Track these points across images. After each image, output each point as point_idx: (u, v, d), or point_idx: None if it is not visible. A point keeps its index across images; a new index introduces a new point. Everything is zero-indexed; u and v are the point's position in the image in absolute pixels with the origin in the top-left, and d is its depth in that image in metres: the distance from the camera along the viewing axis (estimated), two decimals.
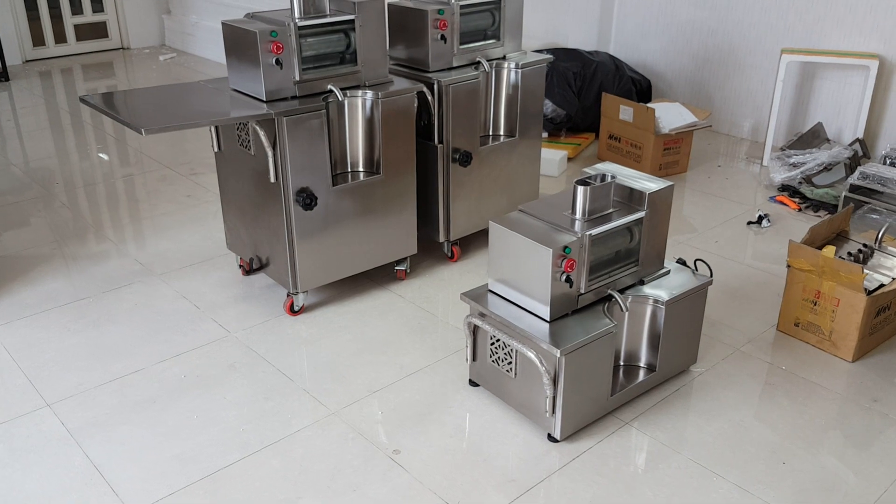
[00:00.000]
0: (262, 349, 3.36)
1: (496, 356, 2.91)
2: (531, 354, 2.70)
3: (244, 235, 3.74)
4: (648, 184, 2.93)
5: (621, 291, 2.90)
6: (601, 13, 6.67)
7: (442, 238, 4.02)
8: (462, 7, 3.80)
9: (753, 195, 4.99)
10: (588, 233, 2.71)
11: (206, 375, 3.18)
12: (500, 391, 2.96)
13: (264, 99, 3.28)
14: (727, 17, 5.91)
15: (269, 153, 3.25)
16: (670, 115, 5.25)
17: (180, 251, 4.25)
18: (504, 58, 4.06)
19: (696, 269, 3.13)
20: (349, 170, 3.65)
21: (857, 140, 5.16)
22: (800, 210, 4.74)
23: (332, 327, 3.52)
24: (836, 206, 4.69)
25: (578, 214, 2.82)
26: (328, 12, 3.43)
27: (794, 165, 5.02)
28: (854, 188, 4.57)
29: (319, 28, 3.35)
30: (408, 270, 3.93)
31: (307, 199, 3.35)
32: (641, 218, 2.87)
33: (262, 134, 3.20)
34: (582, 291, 2.78)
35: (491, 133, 4.16)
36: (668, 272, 3.08)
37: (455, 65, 3.87)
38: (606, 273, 2.87)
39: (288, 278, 3.51)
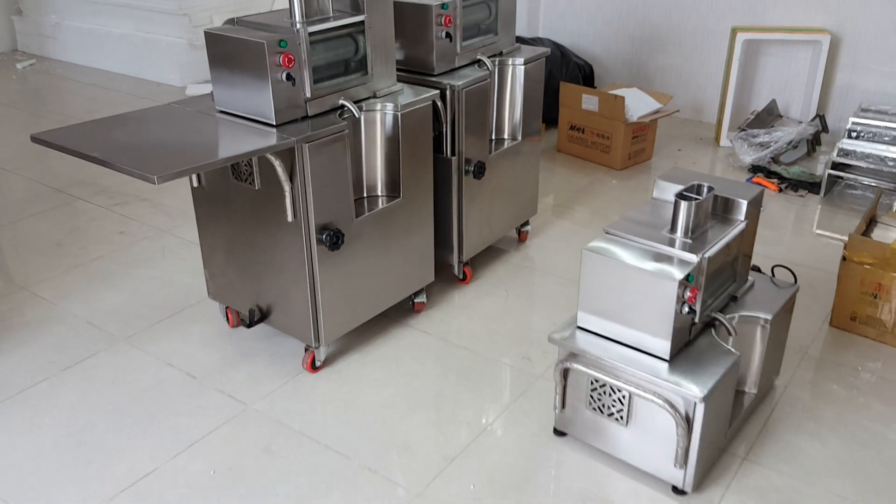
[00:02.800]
0: (296, 421, 2.81)
1: (599, 403, 2.55)
2: (657, 401, 2.36)
3: (239, 283, 3.13)
4: (741, 191, 2.66)
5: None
6: None
7: (455, 259, 3.59)
8: (462, 0, 3.35)
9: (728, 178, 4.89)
10: (705, 255, 2.39)
11: (241, 467, 2.60)
12: (603, 441, 2.60)
13: (273, 122, 2.70)
14: None
15: (287, 188, 2.68)
16: (634, 102, 5.04)
17: (139, 304, 3.54)
18: (501, 53, 3.65)
19: (773, 276, 2.91)
20: (365, 194, 3.13)
21: (818, 116, 5.18)
22: (780, 191, 4.68)
23: (367, 382, 3.02)
24: (813, 184, 4.66)
25: (680, 233, 2.50)
26: (332, 13, 2.88)
27: (762, 145, 4.97)
28: (836, 165, 4.55)
29: (329, 33, 2.80)
30: (426, 302, 3.47)
31: (334, 238, 2.82)
32: (743, 230, 2.59)
33: (278, 166, 2.63)
34: (696, 321, 2.47)
35: (494, 137, 3.75)
36: (753, 284, 2.83)
37: (458, 65, 3.43)
38: (714, 295, 2.57)
39: (309, 330, 2.96)
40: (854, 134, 4.72)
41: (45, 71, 7.43)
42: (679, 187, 2.67)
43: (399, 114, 2.98)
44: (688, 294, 2.34)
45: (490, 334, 3.32)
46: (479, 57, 3.50)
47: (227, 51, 2.71)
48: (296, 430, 2.76)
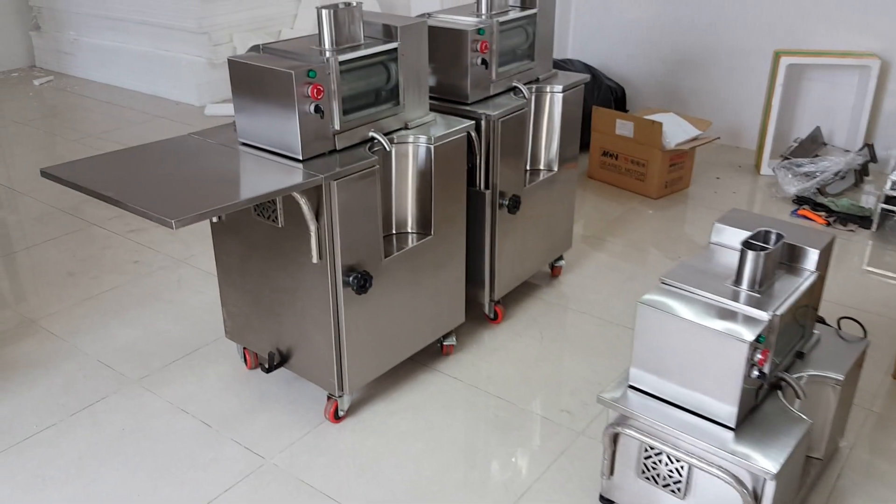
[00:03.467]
0: (317, 479, 2.59)
1: (653, 472, 2.31)
2: (722, 475, 2.12)
3: (258, 324, 2.93)
4: (810, 238, 2.42)
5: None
6: (558, 14, 6.16)
7: (486, 298, 3.37)
8: (500, 24, 3.15)
9: (771, 211, 4.65)
10: (777, 313, 2.16)
11: None
12: None
13: (300, 157, 2.51)
14: (700, 17, 5.56)
15: (312, 228, 2.48)
16: (671, 128, 4.82)
17: (152, 342, 3.35)
18: (538, 80, 3.45)
19: (840, 328, 2.67)
20: (394, 231, 2.93)
21: (866, 145, 4.93)
22: (828, 225, 4.43)
23: (394, 434, 2.80)
24: (863, 218, 4.41)
25: (746, 286, 2.26)
26: (363, 40, 2.69)
27: (807, 175, 4.72)
28: (889, 199, 4.31)
29: (361, 62, 2.61)
30: (455, 344, 3.25)
31: (361, 281, 2.61)
32: (814, 283, 2.36)
33: (304, 204, 2.43)
34: (765, 384, 2.24)
35: (529, 168, 3.54)
36: (820, 339, 2.59)
37: (493, 93, 3.22)
38: (781, 354, 2.34)
39: (333, 378, 2.74)
40: None
41: (62, 88, 7.30)
42: (740, 232, 2.46)
43: (433, 147, 2.78)
44: (758, 356, 2.11)
45: (525, 382, 3.09)
46: (514, 84, 3.30)
47: (253, 80, 2.52)
48: (317, 490, 2.54)
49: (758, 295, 2.24)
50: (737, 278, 2.29)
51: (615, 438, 2.37)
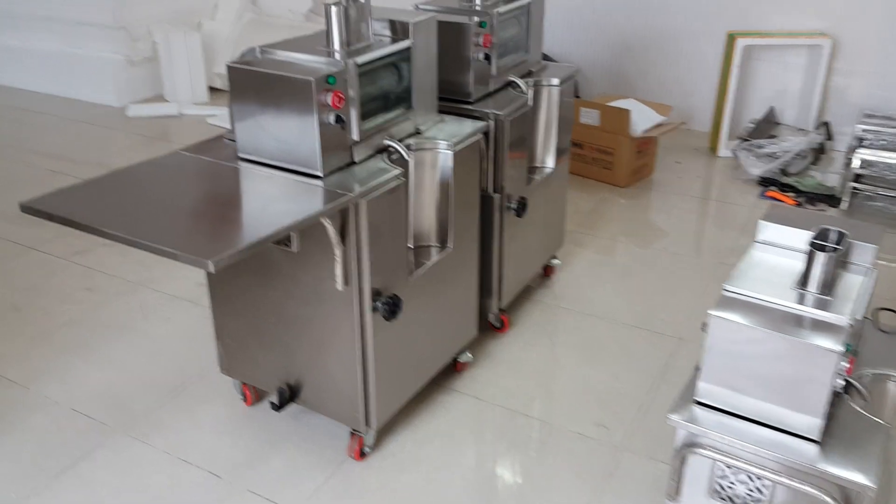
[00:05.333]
0: None
1: (730, 492, 2.19)
2: (813, 491, 2.02)
3: (263, 358, 2.63)
4: (861, 233, 2.35)
5: None
6: None
7: (494, 307, 3.18)
8: (499, 15, 2.94)
9: (740, 193, 4.65)
10: (856, 317, 2.07)
11: None
12: None
13: (320, 173, 2.23)
14: (648, 1, 5.50)
15: (339, 253, 2.22)
16: (635, 115, 4.73)
17: (129, 383, 2.98)
18: (531, 73, 3.26)
19: (878, 320, 2.62)
20: (411, 245, 2.69)
21: (824, 123, 5.01)
22: (799, 205, 4.47)
23: (427, 468, 2.57)
24: (831, 197, 4.47)
25: (815, 289, 2.16)
26: (371, 39, 2.42)
27: (770, 156, 4.75)
28: (857, 177, 4.37)
29: (376, 64, 2.34)
30: (471, 360, 3.05)
31: (391, 306, 2.37)
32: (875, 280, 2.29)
33: (331, 227, 2.16)
34: (848, 393, 2.15)
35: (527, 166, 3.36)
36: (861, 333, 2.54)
37: (492, 89, 3.02)
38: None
39: (358, 413, 2.49)
40: (866, 142, 4.56)
41: None
42: (787, 229, 2.36)
43: (452, 152, 2.55)
44: (845, 365, 2.01)
45: (548, 396, 2.93)
46: (511, 78, 3.10)
47: (260, 88, 2.22)
48: None
49: (829, 298, 2.14)
50: (803, 281, 2.19)
51: (683, 458, 2.24)
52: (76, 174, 4.84)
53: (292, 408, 2.75)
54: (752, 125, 5.07)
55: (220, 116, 5.84)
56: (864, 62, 4.97)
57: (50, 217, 1.98)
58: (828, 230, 2.27)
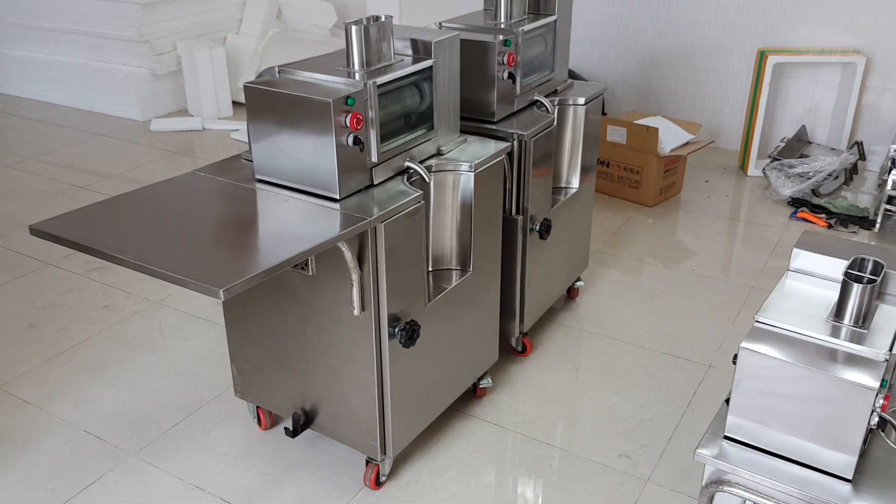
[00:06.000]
0: None
1: None
2: None
3: (278, 383, 2.58)
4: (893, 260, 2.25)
5: None
6: None
7: (516, 331, 3.10)
8: (524, 34, 2.88)
9: (770, 214, 4.54)
10: (893, 351, 1.97)
11: None
12: None
13: (337, 196, 2.18)
14: (677, 16, 5.42)
15: (356, 278, 2.16)
16: (663, 133, 4.64)
17: (144, 404, 2.94)
18: (556, 91, 3.20)
19: None
20: (430, 268, 2.62)
21: (856, 143, 4.89)
22: (830, 227, 4.34)
23: (444, 499, 2.50)
24: (863, 219, 4.34)
25: (849, 321, 2.07)
26: (393, 58, 2.37)
27: (801, 176, 4.63)
28: (890, 199, 4.24)
29: (397, 84, 2.29)
30: (491, 386, 2.97)
31: (409, 333, 2.30)
32: None
33: (348, 252, 2.11)
34: (884, 430, 2.05)
35: (551, 186, 3.29)
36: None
37: (517, 108, 2.95)
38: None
39: (374, 440, 2.43)
40: None
41: None
42: (821, 258, 2.27)
43: (473, 174, 2.49)
44: (880, 402, 1.91)
45: (571, 424, 2.84)
46: (536, 98, 3.03)
47: (277, 109, 2.18)
48: None
49: (864, 331, 2.04)
50: (838, 312, 2.09)
51: (711, 497, 2.14)
52: (98, 189, 4.85)
53: (308, 433, 2.69)
54: (783, 144, 4.95)
55: (243, 131, 5.83)
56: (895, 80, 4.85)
57: (59, 241, 1.94)
58: (864, 259, 2.17)
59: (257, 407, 2.76)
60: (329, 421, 2.52)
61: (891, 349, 1.96)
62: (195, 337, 3.35)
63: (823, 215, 4.42)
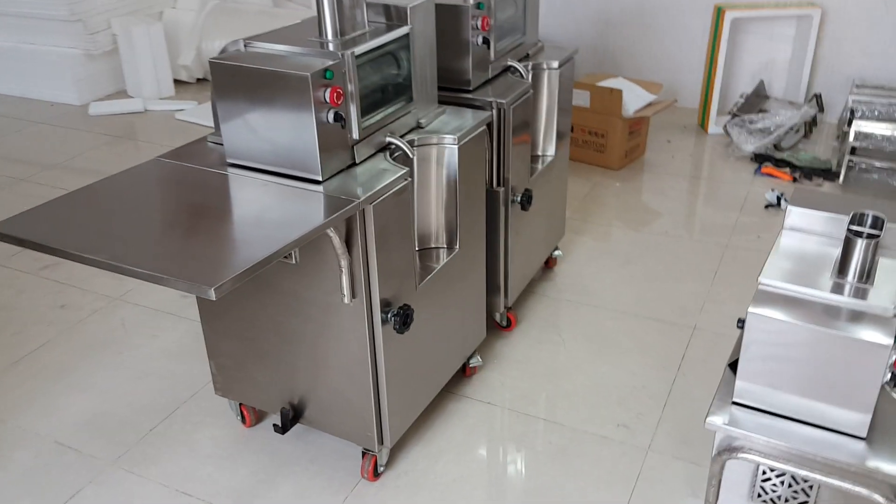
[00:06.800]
0: None
1: (773, 495, 2.07)
2: (864, 491, 1.90)
3: (263, 377, 2.45)
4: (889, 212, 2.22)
5: None
6: None
7: (501, 305, 3.02)
8: None
9: (734, 171, 4.54)
10: None
11: None
12: None
13: (319, 177, 2.04)
14: None
15: (345, 264, 2.04)
16: (626, 95, 4.57)
17: (116, 409, 2.77)
18: (528, 56, 3.09)
19: None
20: (416, 248, 2.51)
21: (815, 96, 4.90)
22: (794, 180, 4.36)
23: (446, 484, 2.42)
24: (826, 171, 4.37)
25: (853, 278, 2.04)
26: (367, 26, 2.23)
27: (763, 131, 4.64)
28: (853, 150, 4.27)
29: (374, 53, 2.15)
30: (481, 364, 2.89)
31: (403, 318, 2.19)
32: None
33: (335, 237, 1.98)
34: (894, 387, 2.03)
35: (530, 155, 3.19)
36: None
37: (491, 75, 2.84)
38: None
39: (371, 431, 2.32)
40: (858, 113, 4.47)
41: None
42: (817, 214, 2.23)
43: (457, 147, 2.37)
44: (893, 357, 1.89)
45: (565, 397, 2.78)
46: (510, 63, 2.92)
47: (248, 86, 2.02)
48: None
49: (869, 287, 2.02)
50: (841, 269, 2.06)
51: (724, 464, 2.11)
52: (41, 180, 4.57)
53: (296, 427, 2.57)
54: (742, 100, 4.94)
55: (189, 111, 5.58)
56: (854, 30, 4.86)
57: (21, 243, 1.77)
58: (863, 214, 2.14)
59: (240, 404, 2.63)
60: (320, 414, 2.40)
61: None
62: (162, 333, 3.18)
63: (787, 169, 4.44)
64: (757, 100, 5.03)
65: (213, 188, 2.08)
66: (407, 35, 2.25)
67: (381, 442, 2.35)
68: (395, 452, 2.52)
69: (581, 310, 3.27)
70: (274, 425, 2.45)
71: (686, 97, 5.44)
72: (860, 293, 1.99)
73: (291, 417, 2.45)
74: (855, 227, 2.09)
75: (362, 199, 1.98)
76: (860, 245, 2.01)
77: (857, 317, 1.94)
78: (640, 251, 3.72)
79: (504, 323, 3.11)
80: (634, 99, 4.57)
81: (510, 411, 2.71)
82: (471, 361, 2.83)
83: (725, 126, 4.83)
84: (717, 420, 2.07)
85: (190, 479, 2.45)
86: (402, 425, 2.41)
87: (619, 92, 4.41)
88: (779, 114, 4.68)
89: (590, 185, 4.41)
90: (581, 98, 4.54)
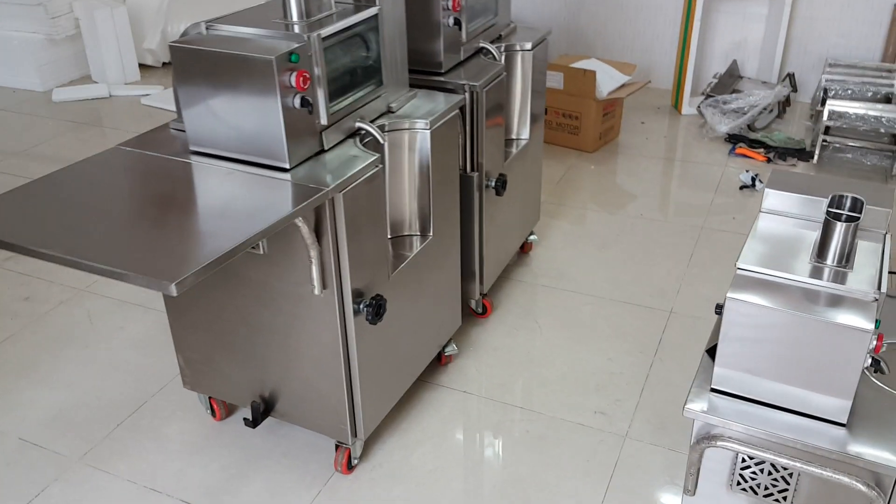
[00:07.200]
0: None
1: (752, 483, 2.05)
2: (845, 478, 1.89)
3: (232, 371, 2.38)
4: (870, 195, 2.20)
5: None
6: None
7: (476, 292, 2.97)
8: None
9: (708, 152, 4.52)
10: (882, 291, 1.92)
11: None
12: None
13: (287, 165, 1.98)
14: None
15: (314, 254, 1.97)
16: (599, 76, 4.53)
17: (83, 404, 2.70)
18: (500, 38, 3.02)
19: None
20: (389, 236, 2.45)
21: (788, 75, 4.89)
22: (769, 161, 4.35)
23: (422, 475, 2.38)
24: (800, 151, 4.37)
25: (832, 261, 2.01)
26: (333, 7, 2.15)
27: (737, 112, 4.62)
28: (826, 129, 4.27)
29: (342, 35, 2.08)
30: (457, 352, 2.84)
31: (376, 308, 2.14)
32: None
33: (304, 227, 1.91)
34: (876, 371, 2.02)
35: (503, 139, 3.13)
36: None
37: (463, 57, 2.77)
38: None
39: (344, 424, 2.27)
40: (832, 92, 4.47)
41: None
42: (793, 196, 2.21)
43: (430, 132, 2.31)
44: (874, 343, 1.87)
45: (542, 385, 2.75)
46: (482, 44, 2.86)
47: (211, 71, 1.94)
48: None
49: (848, 271, 1.99)
50: (820, 253, 2.03)
51: (703, 452, 2.08)
52: (2, 169, 4.43)
53: (268, 421, 2.50)
54: (715, 80, 4.93)
55: (154, 96, 5.44)
56: (827, 10, 4.85)
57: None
58: (842, 196, 2.11)
59: (210, 397, 2.56)
60: (292, 407, 2.34)
61: (878, 287, 1.92)
62: (130, 324, 3.09)
63: (761, 150, 4.43)
64: (730, 80, 5.01)
65: (175, 177, 2.00)
66: (375, 16, 2.17)
67: (354, 434, 2.30)
68: (369, 444, 2.48)
69: (558, 295, 3.24)
70: (244, 419, 2.38)
71: (659, 78, 5.41)
72: (840, 277, 1.97)
73: (262, 411, 2.39)
74: (834, 210, 2.07)
75: (331, 187, 1.92)
76: (839, 228, 1.98)
77: (836, 301, 1.92)
78: (616, 234, 3.69)
79: (480, 310, 3.06)
80: (608, 80, 4.53)
81: (486, 399, 2.68)
82: (446, 350, 2.79)
83: (699, 107, 4.80)
84: (695, 408, 2.04)
85: (159, 475, 2.39)
86: (375, 417, 2.36)
87: (593, 73, 4.37)
88: (752, 94, 4.66)
89: (564, 168, 4.37)
90: (554, 80, 4.49)
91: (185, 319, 2.38)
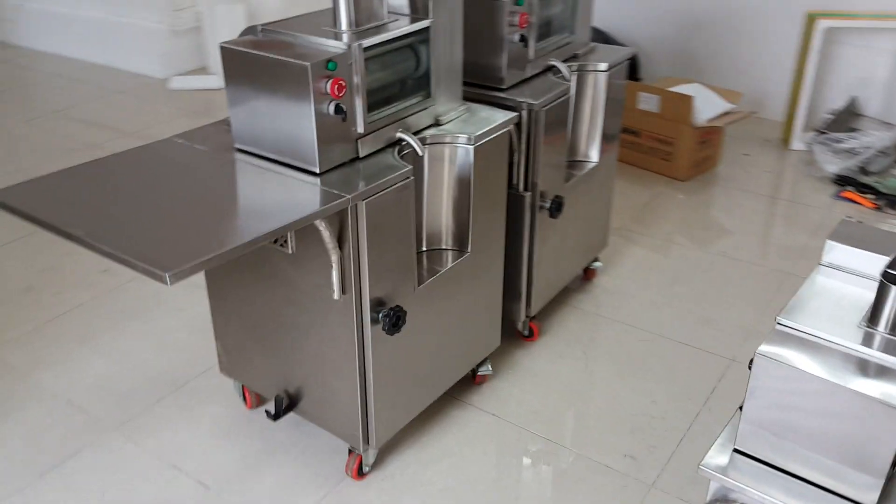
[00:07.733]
0: None
1: None
2: None
3: (262, 363, 2.44)
4: None
5: None
6: None
7: (522, 314, 2.91)
8: None
9: (813, 192, 4.23)
10: None
11: None
12: None
13: (317, 170, 1.99)
14: None
15: (335, 259, 1.98)
16: (700, 102, 4.33)
17: (130, 376, 2.83)
18: (576, 56, 2.94)
19: None
20: (424, 248, 2.43)
21: None
22: (878, 209, 4.03)
23: (431, 493, 2.34)
24: None
25: (884, 328, 1.83)
26: (386, 17, 2.16)
27: (849, 152, 4.30)
28: None
29: (388, 46, 2.08)
30: (491, 373, 2.79)
31: (394, 319, 2.12)
32: None
33: (325, 231, 1.92)
34: None
35: (567, 160, 3.05)
36: None
37: (529, 74, 2.71)
38: None
39: (356, 430, 2.27)
40: None
41: (4, 59, 6.56)
42: (858, 252, 2.02)
43: (472, 148, 2.28)
44: None
45: (576, 418, 2.65)
46: (552, 62, 2.79)
47: (253, 73, 1.99)
48: None
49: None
50: (872, 317, 1.85)
51: None
52: (112, 147, 4.72)
53: (294, 416, 2.54)
54: (831, 116, 4.60)
55: None
56: None
57: (13, 211, 1.80)
58: None
59: (242, 385, 2.63)
60: (312, 406, 2.37)
61: None
62: (191, 307, 3.22)
63: (871, 196, 4.10)
64: (848, 118, 4.67)
65: (212, 172, 2.07)
66: (426, 29, 2.16)
67: (366, 442, 2.30)
68: (386, 453, 2.46)
69: (613, 327, 3.11)
70: (266, 411, 2.43)
71: (771, 110, 5.11)
72: (889, 347, 1.78)
73: (285, 406, 2.43)
74: (892, 272, 1.88)
75: (354, 194, 1.92)
76: (893, 293, 1.80)
77: (880, 372, 1.74)
78: (693, 270, 3.51)
79: (526, 332, 2.99)
80: (709, 107, 4.33)
81: (514, 425, 2.61)
82: (480, 369, 2.73)
83: (809, 143, 4.51)
84: (711, 465, 1.91)
85: (183, 455, 2.47)
86: (390, 428, 2.35)
87: (690, 98, 4.18)
88: (869, 134, 4.33)
89: (650, 195, 4.21)
90: (650, 103, 4.34)
91: (223, 307, 2.46)
